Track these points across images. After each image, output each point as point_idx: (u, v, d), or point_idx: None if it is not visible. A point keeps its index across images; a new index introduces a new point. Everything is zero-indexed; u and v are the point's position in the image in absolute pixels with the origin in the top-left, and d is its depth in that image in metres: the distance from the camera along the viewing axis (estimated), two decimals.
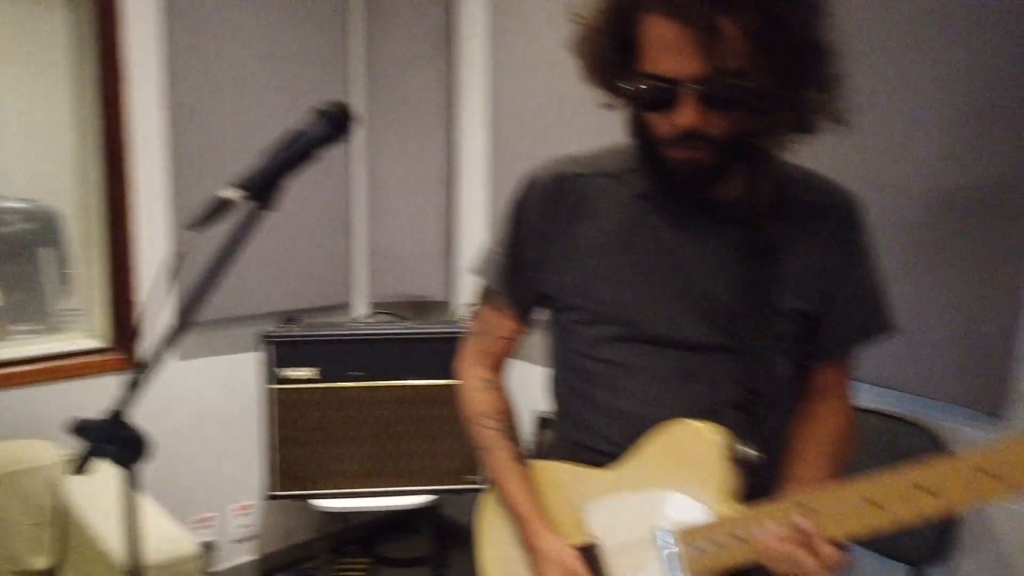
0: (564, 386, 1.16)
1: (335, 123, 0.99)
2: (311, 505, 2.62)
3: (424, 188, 3.12)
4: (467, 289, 3.15)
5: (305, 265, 2.95)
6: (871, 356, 1.21)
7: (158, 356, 1.00)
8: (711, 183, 0.99)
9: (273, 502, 2.65)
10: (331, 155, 2.88)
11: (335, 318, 3.02)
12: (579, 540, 1.07)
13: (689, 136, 0.91)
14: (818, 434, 1.10)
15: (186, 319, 1.00)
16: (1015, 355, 1.64)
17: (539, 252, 1.11)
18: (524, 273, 1.13)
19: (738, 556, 0.91)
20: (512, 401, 1.23)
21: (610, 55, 0.96)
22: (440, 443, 2.66)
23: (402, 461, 2.65)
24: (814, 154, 1.05)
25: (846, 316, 1.08)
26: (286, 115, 2.80)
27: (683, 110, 0.90)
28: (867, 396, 1.60)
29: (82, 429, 1.00)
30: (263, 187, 0.94)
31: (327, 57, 2.94)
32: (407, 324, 2.72)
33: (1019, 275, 1.61)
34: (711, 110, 0.90)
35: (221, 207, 0.92)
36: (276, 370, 2.57)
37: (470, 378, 1.22)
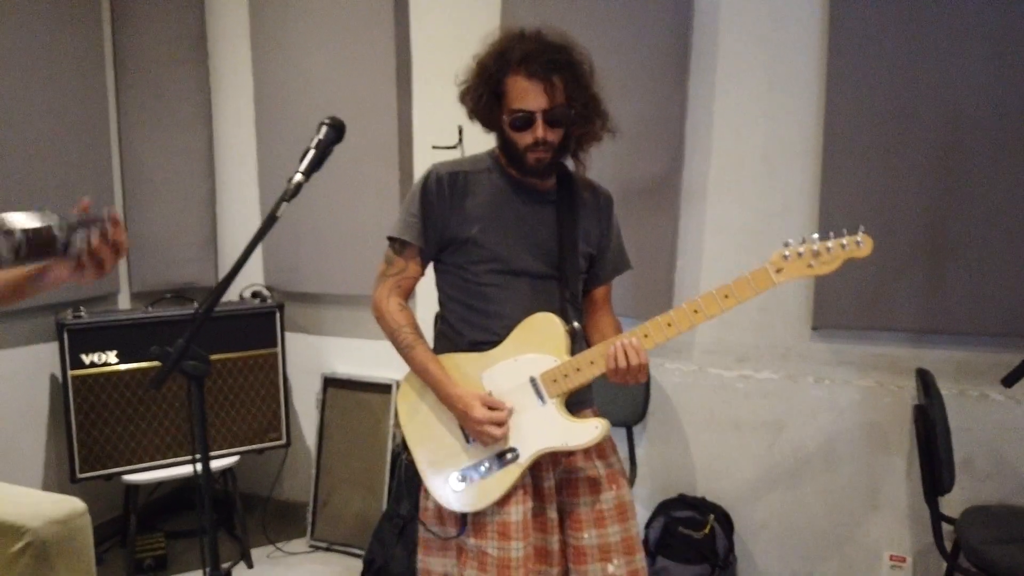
0: (462, 305, 1.74)
1: (337, 130, 1.47)
2: (110, 488, 2.72)
3: (187, 181, 3.31)
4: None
5: None
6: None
7: (212, 303, 1.37)
8: (549, 174, 1.70)
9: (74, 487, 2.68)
10: (89, 154, 2.94)
11: (107, 307, 3.07)
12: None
13: (539, 143, 1.60)
14: (605, 325, 1.86)
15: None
16: (674, 291, 2.65)
17: (442, 218, 1.70)
18: (431, 232, 1.70)
19: (575, 381, 1.60)
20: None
21: (487, 101, 1.60)
22: (240, 410, 2.96)
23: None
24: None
25: (610, 258, 1.83)
26: (49, 110, 2.83)
27: (537, 128, 1.58)
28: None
29: (162, 353, 1.35)
30: (310, 174, 1.39)
31: (83, 57, 3.00)
32: (198, 307, 2.94)
33: (674, 238, 2.62)
34: (550, 127, 1.60)
35: (298, 187, 1.35)
36: (75, 356, 2.64)
37: (390, 303, 1.72)
